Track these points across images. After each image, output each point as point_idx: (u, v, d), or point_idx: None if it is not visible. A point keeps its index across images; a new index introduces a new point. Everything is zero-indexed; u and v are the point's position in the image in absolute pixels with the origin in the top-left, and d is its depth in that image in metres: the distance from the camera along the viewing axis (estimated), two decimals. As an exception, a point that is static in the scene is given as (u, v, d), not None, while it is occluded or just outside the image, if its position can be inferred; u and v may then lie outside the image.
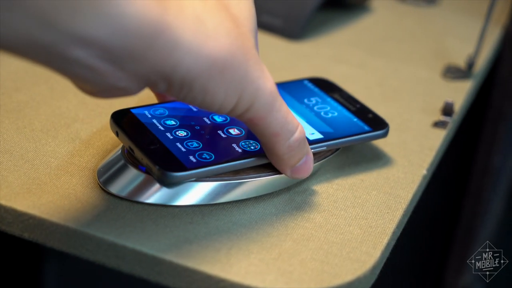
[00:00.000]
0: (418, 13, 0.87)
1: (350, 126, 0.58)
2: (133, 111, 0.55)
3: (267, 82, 0.48)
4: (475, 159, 0.93)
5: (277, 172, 0.54)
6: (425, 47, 0.79)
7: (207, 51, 0.45)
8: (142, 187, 0.53)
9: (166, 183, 0.51)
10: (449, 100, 0.66)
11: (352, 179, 0.58)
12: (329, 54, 0.76)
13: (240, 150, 0.53)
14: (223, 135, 0.54)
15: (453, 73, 0.74)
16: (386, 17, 0.85)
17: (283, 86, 0.61)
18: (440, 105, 0.68)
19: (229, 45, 0.45)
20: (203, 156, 0.52)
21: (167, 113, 0.56)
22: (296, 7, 0.77)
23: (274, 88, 0.48)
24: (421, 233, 0.96)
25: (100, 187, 0.53)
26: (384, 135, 0.58)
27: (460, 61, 0.76)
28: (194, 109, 0.57)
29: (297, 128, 0.50)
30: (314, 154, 0.55)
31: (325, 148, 0.56)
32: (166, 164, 0.51)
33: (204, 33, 0.45)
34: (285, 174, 0.53)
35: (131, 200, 0.53)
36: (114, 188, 0.53)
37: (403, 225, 0.56)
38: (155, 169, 0.51)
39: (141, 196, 0.53)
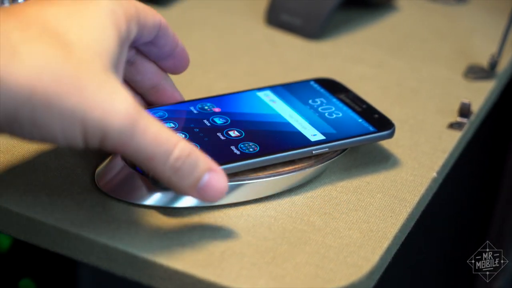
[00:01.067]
0: (446, 12, 0.85)
1: (354, 127, 0.56)
2: None
3: (119, 105, 0.44)
4: (506, 161, 0.91)
5: (277, 174, 0.53)
6: (448, 46, 0.77)
7: (23, 81, 0.42)
8: (140, 189, 0.52)
9: (161, 185, 0.50)
10: (466, 100, 0.65)
11: (358, 182, 0.57)
12: (347, 53, 0.74)
13: (238, 152, 0.52)
14: (222, 138, 0.54)
15: (475, 73, 0.72)
16: (412, 16, 0.83)
17: (287, 87, 0.60)
18: (458, 106, 0.66)
19: (51, 75, 0.43)
20: None
21: (166, 115, 0.55)
22: (316, 7, 0.76)
23: (131, 110, 0.44)
24: (449, 238, 0.94)
25: (98, 188, 0.53)
26: (390, 135, 0.57)
27: (484, 61, 0.74)
28: (195, 111, 0.56)
29: (176, 145, 0.46)
30: (317, 156, 0.54)
31: (327, 149, 0.54)
32: None
33: (19, 63, 0.42)
34: (193, 197, 0.49)
35: (128, 202, 0.52)
36: (112, 190, 0.53)
37: (408, 230, 0.55)
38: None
39: (139, 198, 0.52)
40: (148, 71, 0.55)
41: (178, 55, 0.56)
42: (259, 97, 0.59)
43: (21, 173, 0.54)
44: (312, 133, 0.55)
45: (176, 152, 0.46)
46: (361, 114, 0.58)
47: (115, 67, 0.47)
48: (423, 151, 0.60)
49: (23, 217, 0.51)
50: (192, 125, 0.54)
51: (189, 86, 0.66)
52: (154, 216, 0.51)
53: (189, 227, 0.51)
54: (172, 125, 0.54)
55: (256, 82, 0.66)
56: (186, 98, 0.58)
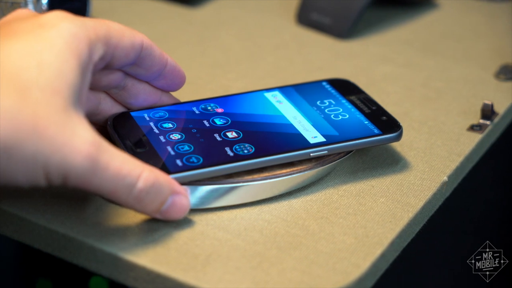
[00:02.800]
0: (487, 9, 0.82)
1: (358, 129, 0.55)
2: (132, 114, 0.55)
3: (79, 146, 0.44)
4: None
5: (274, 176, 0.52)
6: (484, 45, 0.75)
7: None
8: None
9: None
10: (488, 101, 0.62)
11: (362, 185, 0.55)
12: (376, 53, 0.73)
13: (231, 154, 0.51)
14: (218, 139, 0.53)
15: (506, 73, 0.69)
16: (451, 14, 0.81)
17: (297, 88, 0.59)
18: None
19: (9, 123, 0.42)
20: (191, 160, 0.51)
21: (167, 115, 0.55)
22: (346, 6, 0.74)
23: (92, 149, 0.44)
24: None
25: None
26: (397, 138, 0.55)
27: (519, 61, 0.71)
28: (197, 112, 0.56)
29: (140, 177, 0.46)
30: (318, 158, 0.53)
31: (326, 152, 0.53)
32: None
33: None
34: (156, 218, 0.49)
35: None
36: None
37: (411, 235, 0.53)
38: None
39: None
40: (142, 93, 0.55)
41: (168, 74, 0.54)
42: (265, 98, 0.58)
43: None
44: (313, 135, 0.54)
45: (140, 184, 0.46)
46: (368, 116, 0.56)
47: (77, 98, 0.46)
48: (437, 154, 0.58)
49: (16, 217, 0.51)
50: (190, 126, 0.54)
51: (207, 86, 0.66)
52: (145, 218, 0.51)
53: (179, 229, 0.50)
54: (170, 125, 0.54)
55: (275, 83, 0.65)
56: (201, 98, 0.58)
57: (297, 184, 0.53)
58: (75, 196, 0.52)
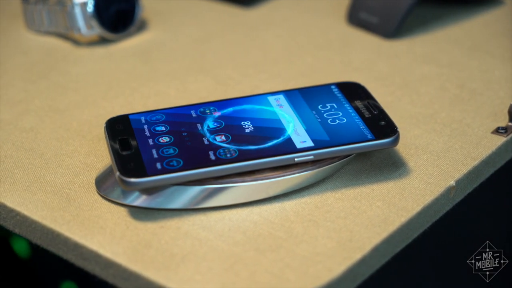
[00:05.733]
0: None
1: (352, 134, 0.54)
2: (130, 116, 0.56)
3: None
4: None
5: (264, 178, 0.52)
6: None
7: None
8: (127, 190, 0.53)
9: (125, 188, 0.51)
10: (515, 103, 0.59)
11: (363, 188, 0.54)
12: (420, 52, 0.71)
13: (213, 158, 0.52)
14: (206, 142, 0.53)
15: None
16: (515, 12, 0.77)
17: (303, 91, 0.58)
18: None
19: None
20: (171, 163, 0.51)
21: (164, 118, 0.56)
22: (392, 5, 0.73)
23: None
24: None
25: (96, 189, 0.54)
26: (392, 143, 0.53)
27: None
28: (194, 115, 0.56)
29: None
30: (303, 163, 0.52)
31: (312, 157, 0.52)
32: (126, 170, 0.51)
33: None
34: None
35: (117, 202, 0.53)
36: (103, 190, 0.54)
37: (406, 241, 0.52)
38: (116, 174, 0.51)
39: (126, 199, 0.53)
40: None
41: None
42: (267, 101, 0.57)
43: (31, 170, 0.57)
44: (303, 140, 0.53)
45: None
46: (367, 121, 0.55)
47: None
48: (451, 158, 0.56)
49: (15, 213, 0.53)
50: (183, 129, 0.54)
51: (236, 86, 0.67)
52: (135, 216, 0.52)
53: (165, 229, 0.51)
54: (163, 128, 0.55)
55: (306, 83, 0.65)
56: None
57: (290, 186, 0.53)
58: (78, 195, 0.54)
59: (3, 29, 0.77)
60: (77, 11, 0.72)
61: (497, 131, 0.59)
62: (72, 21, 0.72)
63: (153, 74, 0.69)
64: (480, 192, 0.58)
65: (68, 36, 0.74)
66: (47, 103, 0.65)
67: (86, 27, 0.72)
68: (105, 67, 0.70)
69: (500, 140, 0.58)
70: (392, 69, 0.68)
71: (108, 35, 0.73)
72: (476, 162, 0.56)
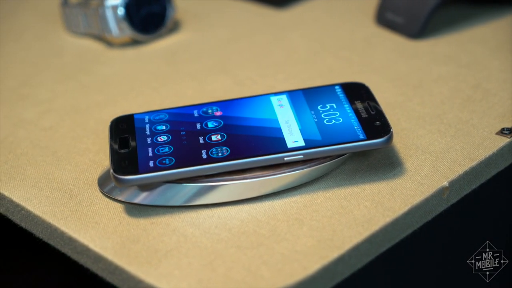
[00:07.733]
0: None
1: (345, 134, 0.54)
2: (135, 116, 0.58)
3: None
4: None
5: (253, 177, 0.53)
6: None
7: None
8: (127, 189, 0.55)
9: (118, 184, 0.53)
10: (521, 103, 0.59)
11: (354, 188, 0.54)
12: (441, 52, 0.70)
13: (205, 157, 0.53)
14: (201, 142, 0.55)
15: None
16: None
17: (306, 92, 0.59)
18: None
19: None
20: (163, 162, 0.53)
21: (166, 117, 0.57)
22: (417, 5, 0.72)
23: None
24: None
25: (98, 186, 0.56)
26: (385, 143, 0.54)
27: None
28: (196, 115, 0.58)
29: None
30: (293, 162, 0.53)
31: (302, 157, 0.53)
32: (119, 167, 0.53)
33: None
34: None
35: (115, 199, 0.55)
36: (104, 187, 0.56)
37: (391, 241, 0.52)
38: (110, 171, 0.53)
39: (123, 196, 0.55)
40: None
41: None
42: (269, 102, 0.58)
43: (42, 167, 0.59)
44: (295, 140, 0.54)
45: None
46: (362, 121, 0.55)
47: None
48: (449, 159, 0.56)
49: (20, 207, 0.56)
50: (182, 128, 0.56)
51: (252, 86, 0.68)
52: (130, 212, 0.54)
53: (155, 225, 0.53)
54: (163, 127, 0.56)
55: (320, 84, 0.65)
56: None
57: (281, 185, 0.54)
58: (80, 191, 0.56)
59: (43, 32, 0.80)
60: (109, 14, 0.74)
61: (502, 132, 0.58)
62: (104, 23, 0.75)
63: (175, 74, 0.71)
64: (480, 192, 0.57)
65: (102, 37, 0.76)
66: (70, 102, 0.67)
67: (117, 29, 0.75)
68: (131, 68, 0.72)
69: (503, 141, 0.58)
70: (410, 69, 0.68)
71: (138, 36, 0.76)
72: (473, 163, 0.56)
